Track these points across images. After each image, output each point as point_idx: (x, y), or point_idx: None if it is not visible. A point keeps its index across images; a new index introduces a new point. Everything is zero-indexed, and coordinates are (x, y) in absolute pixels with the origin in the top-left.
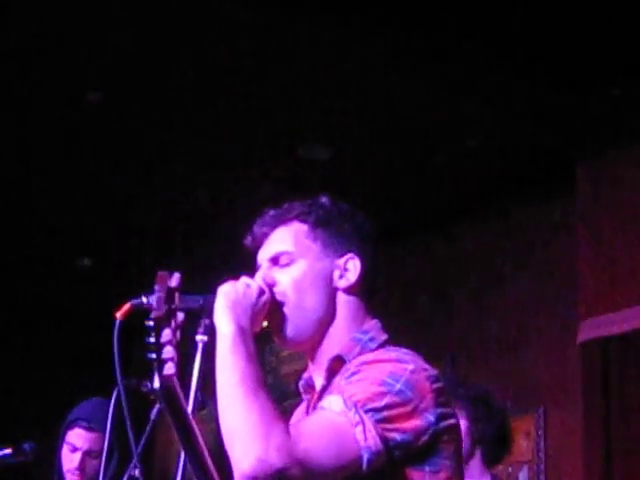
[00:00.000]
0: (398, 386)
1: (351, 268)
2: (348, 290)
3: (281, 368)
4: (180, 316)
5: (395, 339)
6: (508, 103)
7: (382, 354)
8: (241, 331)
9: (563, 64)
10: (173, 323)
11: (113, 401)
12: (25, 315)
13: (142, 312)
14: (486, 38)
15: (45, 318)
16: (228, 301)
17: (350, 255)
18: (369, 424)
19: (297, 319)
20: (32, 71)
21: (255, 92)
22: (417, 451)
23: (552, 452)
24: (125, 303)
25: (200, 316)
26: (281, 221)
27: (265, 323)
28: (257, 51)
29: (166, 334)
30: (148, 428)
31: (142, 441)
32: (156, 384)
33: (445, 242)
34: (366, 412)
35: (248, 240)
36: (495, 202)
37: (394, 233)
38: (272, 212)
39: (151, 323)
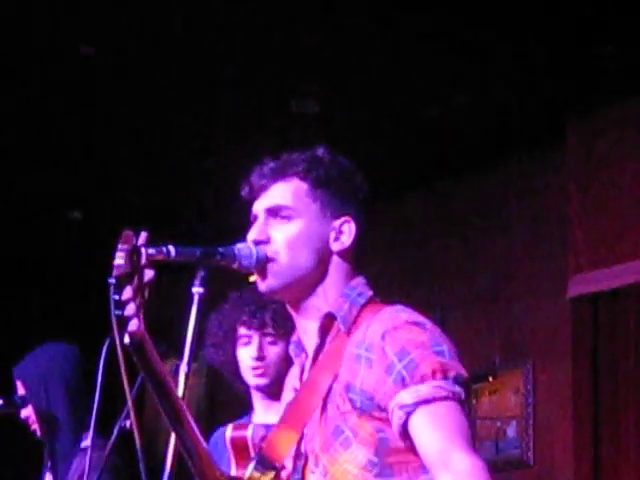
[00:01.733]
0: (445, 348)
1: (346, 231)
2: (341, 253)
3: None
4: (149, 273)
5: (386, 292)
6: (499, 60)
7: (393, 316)
8: None
9: (554, 21)
10: (137, 281)
11: (104, 353)
12: (15, 269)
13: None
14: None
15: (35, 271)
16: None
17: (346, 218)
18: (456, 386)
19: (286, 277)
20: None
21: (248, 46)
22: None
23: (541, 407)
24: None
25: (197, 268)
26: (281, 175)
27: (252, 278)
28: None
29: (127, 292)
30: (138, 381)
31: (133, 393)
32: (127, 340)
33: (435, 197)
34: (450, 379)
35: (245, 190)
36: (485, 158)
37: (383, 188)
38: (271, 164)
39: (113, 281)
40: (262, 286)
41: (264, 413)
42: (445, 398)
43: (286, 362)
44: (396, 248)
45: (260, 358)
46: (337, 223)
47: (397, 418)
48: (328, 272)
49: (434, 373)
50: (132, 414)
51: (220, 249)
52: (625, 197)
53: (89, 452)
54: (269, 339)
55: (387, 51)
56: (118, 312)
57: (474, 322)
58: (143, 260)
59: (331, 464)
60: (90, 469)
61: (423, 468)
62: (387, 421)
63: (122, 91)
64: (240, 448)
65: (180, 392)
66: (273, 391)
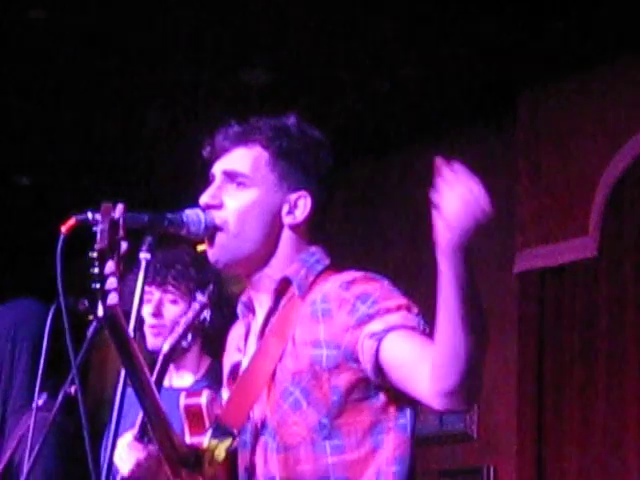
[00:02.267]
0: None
1: (300, 206)
2: (293, 227)
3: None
4: (124, 246)
5: (336, 261)
6: (448, 33)
7: (350, 273)
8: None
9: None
10: (117, 255)
11: (50, 317)
12: None
13: (83, 229)
14: None
15: None
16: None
17: (303, 193)
18: (421, 321)
19: (234, 248)
20: None
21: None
22: None
23: (486, 379)
24: (69, 218)
25: (144, 234)
26: (244, 140)
27: (201, 247)
28: None
29: (109, 266)
30: (84, 345)
31: (78, 358)
32: (100, 312)
33: (384, 168)
34: (417, 315)
35: (207, 150)
36: (435, 132)
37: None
38: (237, 127)
39: (94, 254)
40: (211, 257)
41: (170, 379)
42: (413, 328)
43: (192, 324)
44: (348, 218)
45: (156, 315)
46: (293, 197)
47: (368, 348)
48: (278, 246)
49: (399, 307)
50: (77, 380)
51: (168, 215)
52: (573, 175)
53: (34, 412)
54: (170, 297)
55: (337, 25)
56: (97, 285)
57: (425, 294)
58: (120, 233)
59: (280, 426)
60: (35, 429)
61: (370, 430)
62: (353, 371)
63: (74, 58)
64: (194, 415)
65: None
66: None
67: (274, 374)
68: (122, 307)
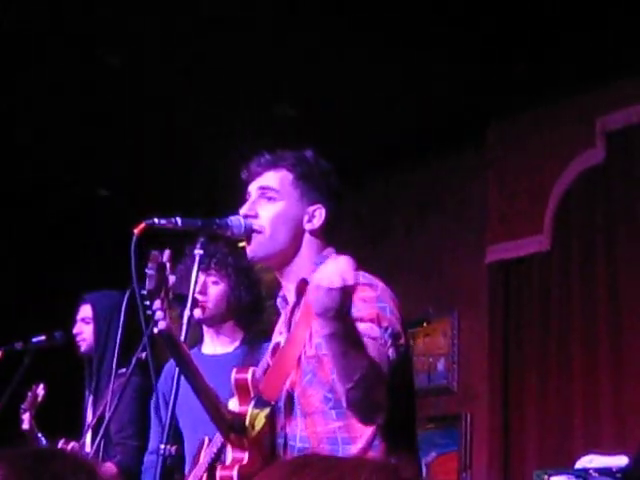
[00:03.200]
0: (387, 306)
1: (317, 215)
2: (312, 232)
3: (263, 276)
4: (171, 279)
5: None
6: (435, 74)
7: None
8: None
9: (478, 42)
10: (164, 291)
11: (126, 299)
12: (45, 244)
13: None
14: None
15: (65, 246)
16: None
17: (318, 206)
18: (389, 339)
19: (268, 247)
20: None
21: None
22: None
23: (463, 348)
24: (140, 223)
25: (198, 235)
26: (273, 165)
27: (242, 244)
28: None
29: (156, 304)
30: (152, 322)
31: (148, 331)
32: (155, 331)
33: (385, 184)
34: (383, 329)
35: (244, 173)
36: (422, 153)
37: (344, 175)
38: (267, 156)
39: (145, 292)
40: (249, 253)
41: (211, 343)
42: (374, 339)
43: (227, 301)
44: (352, 223)
45: (202, 293)
46: (311, 209)
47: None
48: (301, 246)
49: (371, 320)
50: (147, 347)
51: (217, 220)
52: (531, 185)
53: (112, 377)
54: (212, 279)
55: (348, 75)
56: (149, 312)
57: (414, 281)
58: (167, 272)
59: (301, 397)
60: (115, 389)
61: None
62: None
63: (148, 87)
64: (242, 388)
65: (184, 330)
66: (214, 324)
67: (300, 358)
68: (178, 291)
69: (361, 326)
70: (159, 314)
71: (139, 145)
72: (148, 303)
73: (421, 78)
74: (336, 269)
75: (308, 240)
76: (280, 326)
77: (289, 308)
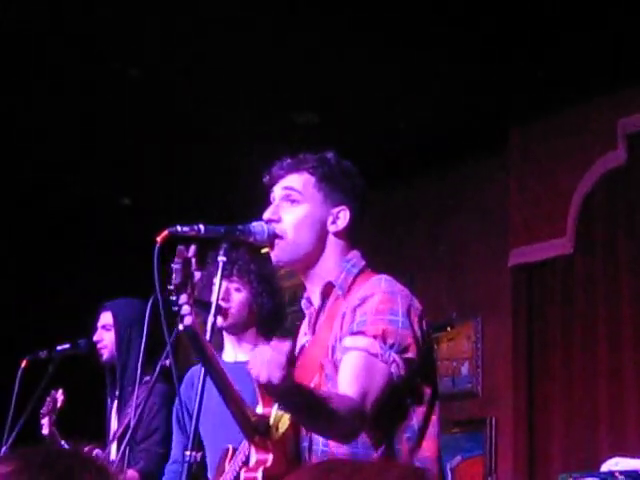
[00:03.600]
0: (400, 319)
1: (341, 217)
2: (336, 234)
3: (282, 283)
4: (197, 275)
5: (371, 260)
6: (456, 80)
7: (373, 287)
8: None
9: (504, 50)
10: (190, 287)
11: (149, 307)
12: (68, 251)
13: (176, 239)
14: (433, 20)
15: (88, 253)
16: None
17: (342, 207)
18: (394, 355)
19: (291, 251)
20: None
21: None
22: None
23: (487, 352)
24: (163, 231)
25: (221, 242)
26: (295, 169)
27: (265, 250)
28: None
29: (182, 298)
30: (175, 329)
31: (171, 339)
32: (181, 327)
33: (408, 188)
34: (388, 345)
35: (266, 178)
36: (447, 159)
37: (369, 182)
38: (289, 160)
39: (172, 287)
40: (274, 258)
41: (232, 351)
42: (375, 355)
43: (249, 308)
44: (377, 229)
45: (225, 299)
46: (335, 210)
47: (339, 354)
48: (326, 248)
49: (375, 336)
50: (171, 355)
51: (239, 227)
52: (553, 189)
53: (137, 385)
54: (235, 286)
55: (367, 81)
56: (176, 309)
57: (437, 286)
58: (193, 267)
59: None
60: (138, 397)
61: None
62: None
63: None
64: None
65: (208, 336)
66: (237, 331)
67: (323, 361)
68: (200, 297)
69: (362, 341)
70: (185, 308)
71: (159, 152)
72: (174, 298)
73: (445, 84)
74: (266, 364)
75: (333, 242)
76: (305, 327)
77: (314, 310)
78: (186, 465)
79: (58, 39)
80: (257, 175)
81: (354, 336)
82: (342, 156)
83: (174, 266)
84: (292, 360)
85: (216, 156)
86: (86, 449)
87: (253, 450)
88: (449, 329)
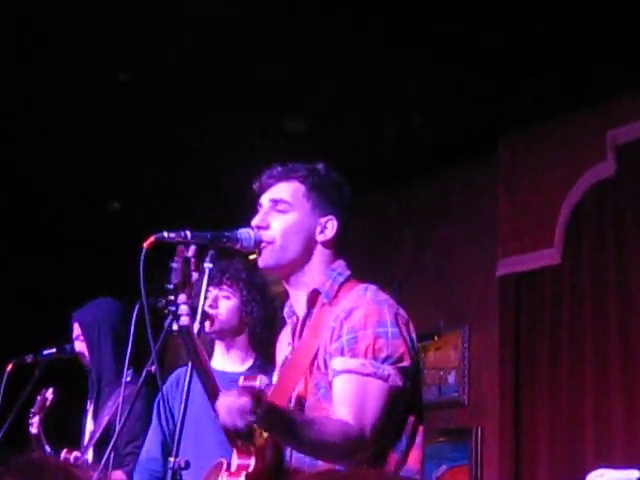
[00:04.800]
0: (389, 330)
1: (329, 227)
2: (324, 243)
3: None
4: (195, 276)
5: (355, 269)
6: (446, 89)
7: (359, 298)
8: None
9: (485, 64)
10: (189, 287)
11: (135, 313)
12: (55, 254)
13: (162, 245)
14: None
15: (76, 257)
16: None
17: (330, 217)
18: (388, 367)
19: (279, 257)
20: None
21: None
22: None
23: (474, 361)
24: (149, 237)
25: (208, 248)
26: (285, 177)
27: (252, 256)
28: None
29: (182, 297)
30: (162, 335)
31: (157, 345)
32: (175, 327)
33: (396, 196)
34: (381, 359)
35: (256, 185)
36: (434, 166)
37: (356, 188)
38: (279, 168)
39: (171, 287)
40: (260, 263)
41: (221, 358)
42: (367, 375)
43: (239, 316)
44: (364, 236)
45: (212, 307)
46: (323, 220)
47: (329, 375)
48: (312, 256)
49: (366, 353)
50: (156, 361)
51: (226, 233)
52: (542, 199)
53: (122, 386)
54: (224, 294)
55: (359, 90)
56: (172, 308)
57: (424, 294)
58: (192, 267)
59: (314, 409)
60: (124, 399)
61: None
62: None
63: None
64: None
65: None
66: (225, 338)
67: (311, 368)
68: (190, 305)
69: (352, 362)
70: (183, 308)
71: (147, 157)
72: (172, 297)
73: (432, 92)
74: (231, 411)
75: (320, 251)
76: (288, 337)
77: (297, 320)
78: (170, 472)
79: (46, 41)
80: (244, 182)
81: (344, 358)
82: (330, 163)
83: (174, 265)
84: (262, 396)
85: (204, 162)
86: (65, 452)
87: (235, 455)
88: (436, 338)
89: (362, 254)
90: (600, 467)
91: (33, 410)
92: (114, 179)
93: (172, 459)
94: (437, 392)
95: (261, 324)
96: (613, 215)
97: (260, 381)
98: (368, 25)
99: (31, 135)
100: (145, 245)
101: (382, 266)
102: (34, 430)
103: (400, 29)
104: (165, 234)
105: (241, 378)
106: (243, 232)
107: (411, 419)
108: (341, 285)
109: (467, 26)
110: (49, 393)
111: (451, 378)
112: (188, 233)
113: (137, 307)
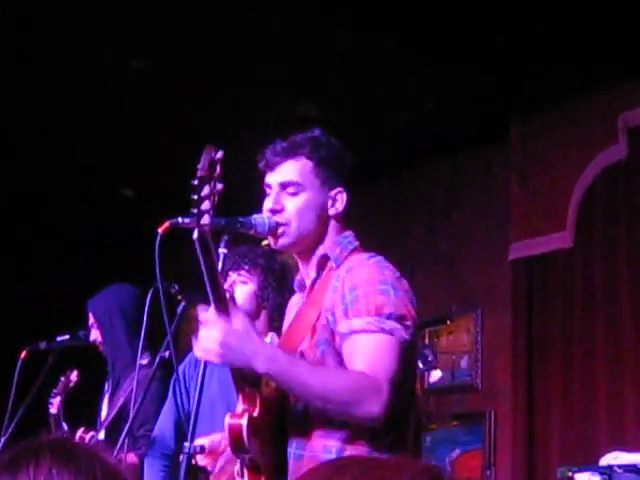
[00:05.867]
0: (391, 289)
1: (339, 199)
2: (335, 216)
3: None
4: (219, 186)
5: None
6: (458, 74)
7: (362, 260)
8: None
9: (501, 45)
10: (212, 185)
11: (149, 298)
12: (68, 240)
13: (176, 232)
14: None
15: (89, 243)
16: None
17: (339, 189)
18: (392, 323)
19: (295, 237)
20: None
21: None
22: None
23: (487, 345)
24: (164, 222)
25: (222, 234)
26: (292, 154)
27: (265, 242)
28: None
29: (205, 190)
30: (175, 320)
31: (171, 329)
32: (195, 235)
33: (407, 182)
34: (385, 315)
35: (262, 163)
36: (449, 151)
37: (367, 174)
38: (283, 144)
39: (195, 182)
40: (277, 244)
41: None
42: (373, 332)
43: (256, 300)
44: (376, 221)
45: (228, 291)
46: (333, 193)
47: (337, 340)
48: (327, 231)
49: (368, 310)
50: (171, 346)
51: (240, 219)
52: (554, 183)
53: (136, 369)
54: (241, 278)
55: (369, 76)
56: (195, 210)
57: (436, 279)
58: (218, 171)
59: (316, 364)
60: (139, 383)
61: None
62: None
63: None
64: None
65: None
66: None
67: (315, 325)
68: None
69: (358, 322)
70: (206, 204)
71: (159, 144)
72: (196, 184)
73: (444, 77)
74: (201, 341)
75: (332, 225)
76: (295, 308)
77: (306, 288)
78: (185, 456)
79: (60, 31)
80: (256, 167)
81: (349, 320)
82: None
83: (203, 159)
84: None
85: (217, 147)
86: (81, 432)
87: (240, 400)
88: (448, 322)
89: (374, 239)
90: (614, 450)
91: (55, 390)
92: (127, 165)
93: (187, 444)
94: (450, 376)
95: (278, 309)
96: (625, 197)
97: (270, 338)
98: (379, 15)
99: (41, 117)
100: (160, 230)
101: (394, 251)
102: (53, 410)
103: (411, 17)
104: (180, 219)
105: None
106: (257, 218)
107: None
108: (350, 252)
109: (479, 11)
110: (74, 375)
111: (464, 362)
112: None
113: (151, 291)
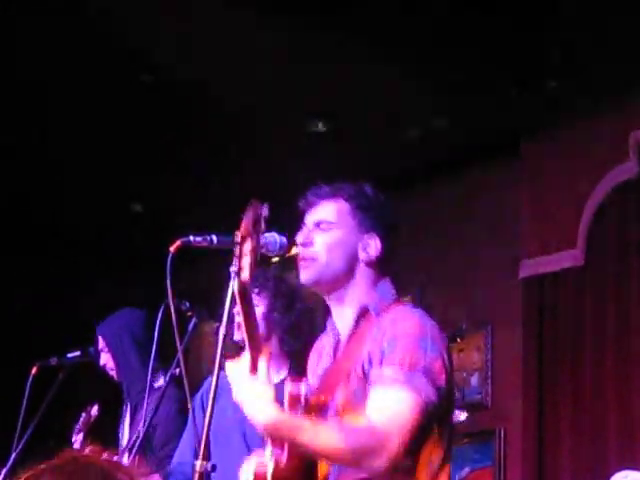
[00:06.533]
0: (429, 346)
1: (372, 245)
2: (367, 262)
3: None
4: (262, 239)
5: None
6: (469, 90)
7: (406, 312)
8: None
9: (510, 67)
10: (254, 242)
11: (160, 314)
12: (80, 257)
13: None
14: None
15: (100, 260)
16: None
17: (373, 235)
18: (423, 380)
19: (321, 273)
20: None
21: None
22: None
23: (497, 363)
24: (176, 240)
25: (233, 252)
26: (331, 196)
27: (275, 259)
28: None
29: (247, 246)
30: (186, 337)
31: (182, 346)
32: (235, 287)
33: (419, 198)
34: (417, 371)
35: (302, 203)
36: (460, 170)
37: (380, 189)
38: (325, 188)
39: (238, 239)
40: (302, 278)
41: None
42: (401, 384)
43: (266, 323)
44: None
45: (238, 313)
46: (366, 237)
47: (368, 387)
48: (356, 274)
49: (402, 362)
50: (181, 363)
51: None
52: (565, 200)
53: (147, 390)
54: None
55: (383, 91)
56: (236, 265)
57: (447, 296)
58: (262, 227)
59: (346, 410)
60: (153, 404)
61: None
62: None
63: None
64: (294, 399)
65: (219, 348)
66: None
67: (349, 376)
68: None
69: (387, 372)
70: (246, 260)
71: (173, 161)
72: (238, 240)
73: (456, 93)
74: (252, 406)
75: (363, 270)
76: (329, 350)
77: (342, 331)
78: (197, 475)
79: (71, 44)
80: (269, 186)
81: (381, 368)
82: (354, 164)
83: (246, 216)
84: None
85: (230, 164)
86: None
87: (268, 445)
88: (459, 340)
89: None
90: (624, 469)
91: (77, 426)
92: (138, 182)
93: (199, 462)
94: (460, 395)
95: (287, 333)
96: (636, 215)
97: (304, 387)
98: (390, 28)
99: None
100: (172, 249)
101: (405, 267)
102: (77, 446)
103: (420, 31)
104: (191, 238)
105: (287, 382)
106: (269, 236)
107: (445, 438)
108: (390, 304)
109: (491, 27)
110: (94, 410)
111: (474, 380)
112: (214, 237)
113: (162, 308)
